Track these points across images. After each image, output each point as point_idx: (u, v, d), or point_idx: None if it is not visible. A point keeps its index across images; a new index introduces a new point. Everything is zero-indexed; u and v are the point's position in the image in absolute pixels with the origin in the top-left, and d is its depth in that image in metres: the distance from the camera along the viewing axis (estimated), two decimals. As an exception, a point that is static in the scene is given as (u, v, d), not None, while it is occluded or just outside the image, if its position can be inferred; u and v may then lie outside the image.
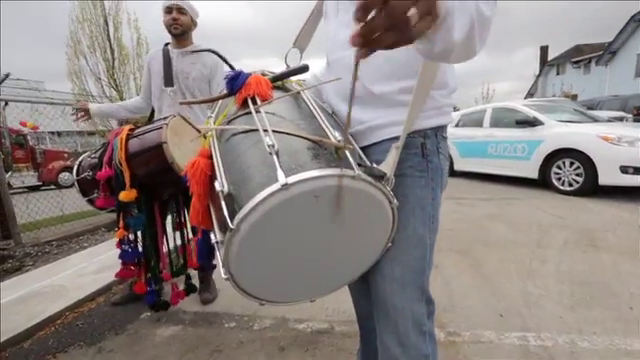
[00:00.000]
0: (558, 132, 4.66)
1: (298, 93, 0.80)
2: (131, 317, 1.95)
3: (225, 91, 0.85)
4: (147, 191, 1.44)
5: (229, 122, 0.70)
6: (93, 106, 1.89)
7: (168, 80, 1.79)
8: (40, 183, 10.70)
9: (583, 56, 19.81)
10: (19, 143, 10.66)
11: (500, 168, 5.54)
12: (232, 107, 0.75)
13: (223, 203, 0.54)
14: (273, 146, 0.55)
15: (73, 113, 1.83)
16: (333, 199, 0.54)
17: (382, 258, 0.74)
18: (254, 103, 0.70)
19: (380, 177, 0.59)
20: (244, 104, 0.71)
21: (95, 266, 2.67)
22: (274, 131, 0.59)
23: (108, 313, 2.01)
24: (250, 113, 0.66)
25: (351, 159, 0.58)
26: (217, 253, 0.61)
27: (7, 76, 2.95)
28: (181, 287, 1.87)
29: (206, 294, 2.04)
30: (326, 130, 0.63)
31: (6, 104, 4.80)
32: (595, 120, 5.21)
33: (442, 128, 0.77)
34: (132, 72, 8.19)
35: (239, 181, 0.57)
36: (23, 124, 9.42)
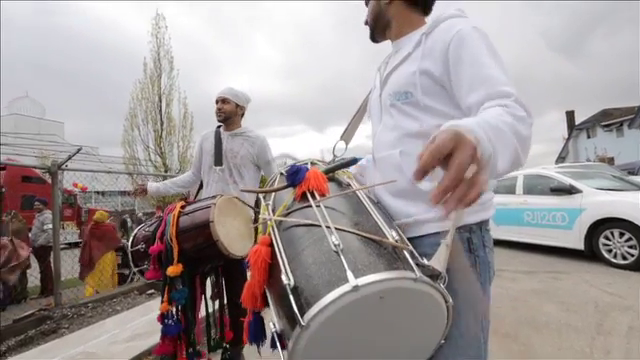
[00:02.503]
0: (600, 201, 4.44)
1: (348, 185, 0.88)
2: (158, 394, 1.88)
3: (277, 181, 0.95)
4: (191, 264, 1.51)
5: (288, 213, 0.76)
6: (150, 185, 2.13)
7: (218, 159, 1.99)
8: (80, 240, 11.29)
9: (613, 120, 19.57)
10: (69, 202, 11.58)
11: (540, 237, 5.22)
12: (290, 198, 0.81)
13: (292, 297, 0.57)
14: (339, 245, 0.59)
15: (133, 193, 2.06)
16: (396, 299, 0.57)
17: (434, 356, 0.72)
18: (312, 196, 0.77)
19: (436, 276, 0.62)
20: (303, 197, 0.78)
21: (127, 333, 2.66)
22: (337, 228, 0.64)
23: (136, 388, 1.96)
24: (310, 207, 0.73)
25: (410, 260, 0.61)
26: (277, 344, 0.63)
27: (79, 150, 3.40)
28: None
29: (236, 372, 1.95)
30: (383, 229, 0.67)
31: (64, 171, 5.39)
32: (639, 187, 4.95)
33: (486, 222, 0.81)
34: (176, 141, 9.11)
35: (305, 276, 0.60)
36: (75, 185, 10.37)
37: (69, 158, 3.43)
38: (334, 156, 1.07)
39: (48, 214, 4.81)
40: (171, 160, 8.92)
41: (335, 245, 0.60)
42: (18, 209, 6.89)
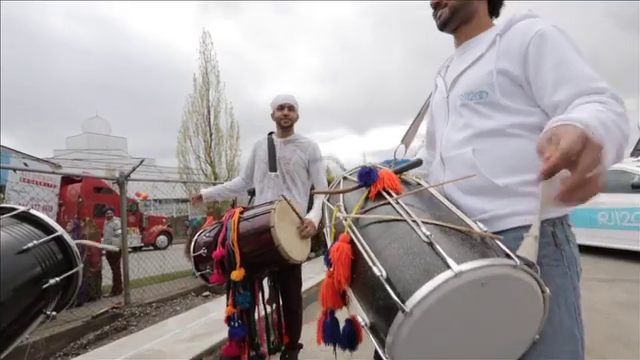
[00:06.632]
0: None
1: (417, 184, 0.87)
2: (220, 394, 1.93)
3: (341, 184, 0.96)
4: (251, 269, 1.53)
5: (365, 212, 0.77)
6: (204, 191, 2.23)
7: (272, 165, 2.02)
8: (142, 244, 12.37)
9: (703, 105, 16.83)
10: (132, 210, 12.71)
11: (618, 241, 4.61)
12: (363, 198, 0.81)
13: (388, 287, 0.57)
14: (431, 235, 0.59)
15: (192, 202, 2.20)
16: (495, 288, 0.56)
17: (527, 353, 0.69)
18: (388, 195, 0.76)
19: (530, 266, 0.59)
20: (377, 196, 0.79)
21: (188, 333, 2.81)
22: (423, 222, 0.64)
23: (199, 386, 2.03)
24: (388, 204, 0.73)
25: (505, 249, 0.60)
26: (370, 336, 0.64)
27: (142, 161, 3.72)
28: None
29: (293, 376, 1.94)
30: (467, 221, 0.67)
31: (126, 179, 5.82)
32: None
33: (567, 216, 0.79)
34: (224, 150, 9.59)
35: (397, 267, 0.60)
36: (138, 194, 11.36)
37: (134, 169, 3.75)
38: (395, 159, 1.05)
39: (118, 220, 5.30)
40: (220, 168, 9.39)
41: (427, 236, 0.60)
42: (92, 216, 7.75)
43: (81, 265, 1.01)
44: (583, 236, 5.06)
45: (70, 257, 0.98)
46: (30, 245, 0.88)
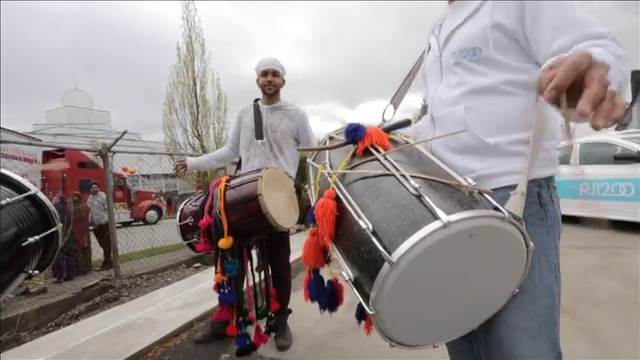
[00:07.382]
0: (675, 169, 3.93)
1: (406, 143, 0.86)
2: (211, 357, 2.00)
3: (327, 143, 0.94)
4: (240, 237, 1.53)
5: (352, 168, 0.75)
6: (190, 160, 2.17)
7: (259, 133, 1.96)
8: (132, 219, 12.29)
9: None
10: (119, 185, 12.48)
11: (598, 211, 4.78)
12: (350, 155, 0.80)
13: (374, 239, 0.56)
14: (419, 188, 0.58)
15: (175, 169, 2.14)
16: (483, 239, 0.56)
17: (505, 307, 0.71)
18: (376, 151, 0.74)
19: (517, 219, 0.60)
20: (365, 152, 0.77)
21: (179, 302, 2.85)
22: (412, 176, 0.62)
23: (191, 351, 2.09)
24: (376, 160, 0.72)
25: (494, 202, 0.60)
26: (354, 291, 0.64)
27: (125, 132, 3.59)
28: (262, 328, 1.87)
29: (282, 340, 2.00)
30: (456, 176, 0.65)
31: (114, 154, 5.66)
32: None
33: (552, 178, 0.80)
34: (212, 123, 9.36)
35: (384, 219, 0.59)
36: (125, 169, 11.09)
37: (116, 141, 3.63)
38: (383, 120, 1.03)
39: (104, 195, 5.20)
40: (208, 142, 9.22)
41: (415, 189, 0.59)
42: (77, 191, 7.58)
43: (60, 225, 0.99)
44: (567, 207, 5.23)
45: (48, 217, 0.96)
46: (3, 203, 0.85)
